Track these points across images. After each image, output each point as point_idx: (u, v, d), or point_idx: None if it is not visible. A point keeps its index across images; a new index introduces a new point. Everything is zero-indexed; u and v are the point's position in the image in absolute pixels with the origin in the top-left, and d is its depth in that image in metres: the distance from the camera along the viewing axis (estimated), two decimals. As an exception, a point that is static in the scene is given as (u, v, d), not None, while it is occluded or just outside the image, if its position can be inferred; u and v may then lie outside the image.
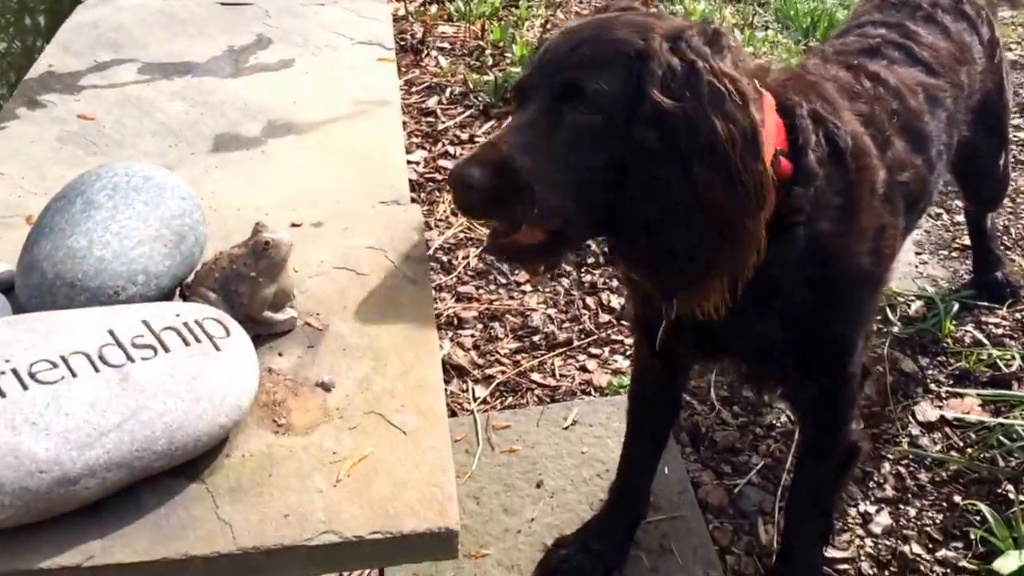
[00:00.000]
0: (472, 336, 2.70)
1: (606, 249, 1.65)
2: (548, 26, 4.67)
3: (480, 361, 2.62)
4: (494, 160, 1.26)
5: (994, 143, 2.46)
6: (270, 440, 1.28)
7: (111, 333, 1.25)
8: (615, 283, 2.88)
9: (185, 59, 2.34)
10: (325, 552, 1.16)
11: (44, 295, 1.37)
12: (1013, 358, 2.50)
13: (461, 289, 2.87)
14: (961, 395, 2.45)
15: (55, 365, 1.19)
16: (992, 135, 2.40)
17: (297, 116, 2.08)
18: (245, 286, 1.42)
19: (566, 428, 2.34)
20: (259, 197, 1.79)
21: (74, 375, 1.18)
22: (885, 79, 1.82)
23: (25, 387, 1.15)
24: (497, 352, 2.65)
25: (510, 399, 2.49)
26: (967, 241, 3.01)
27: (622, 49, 1.29)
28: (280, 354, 1.42)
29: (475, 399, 2.46)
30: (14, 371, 1.17)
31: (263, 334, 1.46)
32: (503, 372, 2.57)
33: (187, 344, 1.27)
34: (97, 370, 1.19)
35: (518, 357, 2.63)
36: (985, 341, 2.60)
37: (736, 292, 1.36)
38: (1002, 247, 3.01)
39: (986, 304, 2.78)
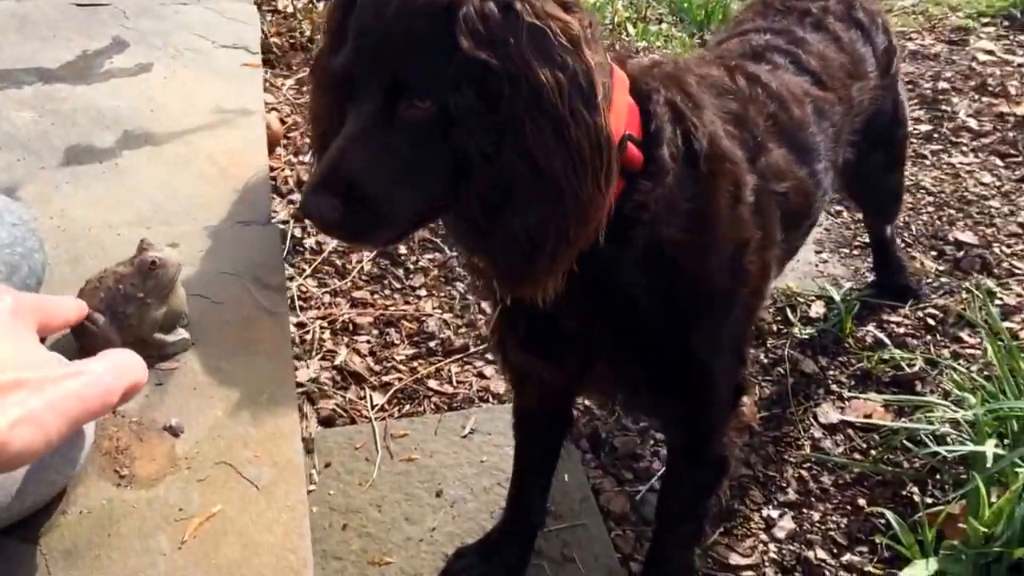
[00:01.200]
0: (368, 342, 2.62)
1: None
2: None
3: (376, 368, 2.54)
4: (342, 188, 1.14)
5: (889, 161, 2.41)
6: (111, 493, 1.18)
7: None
8: None
9: (36, 64, 2.21)
10: (168, 622, 1.07)
11: None
12: (915, 359, 2.50)
13: (356, 294, 2.77)
14: (863, 397, 2.43)
15: None
16: (887, 153, 2.35)
17: (155, 125, 1.97)
18: (134, 307, 1.34)
19: (464, 436, 2.30)
20: (112, 214, 1.68)
21: None
22: (767, 83, 1.71)
23: None
24: (393, 358, 2.58)
25: (408, 407, 2.42)
26: (868, 239, 3.00)
27: (431, 10, 1.12)
28: (125, 394, 1.32)
29: (373, 406, 2.39)
30: None
31: (154, 356, 1.37)
32: (400, 379, 2.50)
33: None
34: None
35: (415, 363, 2.56)
36: (887, 341, 2.59)
37: (572, 261, 1.20)
38: (902, 244, 3.02)
39: (889, 303, 2.77)
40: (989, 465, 1.88)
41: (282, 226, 2.49)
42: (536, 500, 2.01)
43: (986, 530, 1.83)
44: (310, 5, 4.65)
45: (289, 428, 1.28)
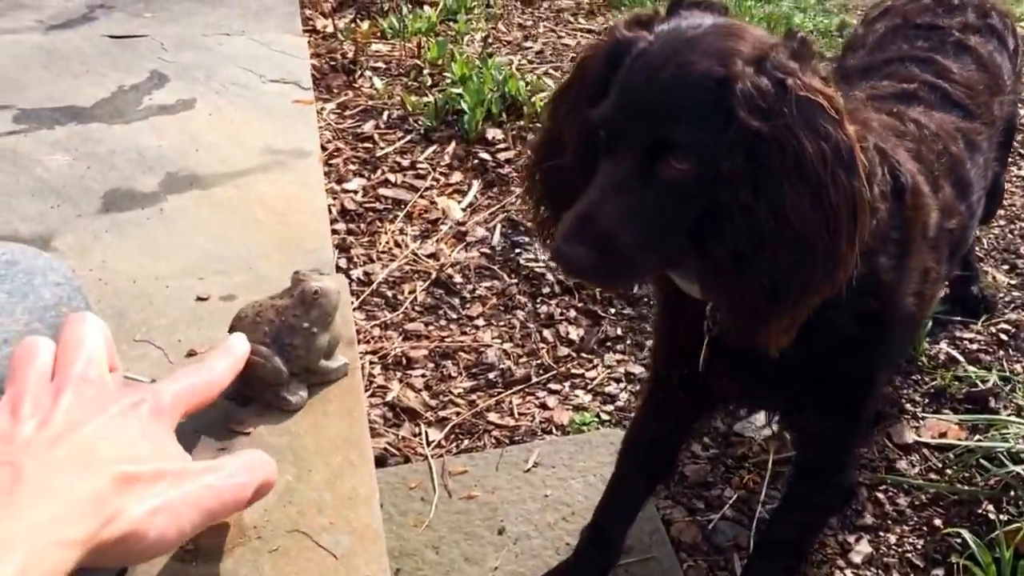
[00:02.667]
0: (423, 376, 2.65)
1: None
2: (489, 40, 4.68)
3: (432, 403, 2.57)
4: (597, 239, 1.32)
5: (1002, 157, 2.46)
6: (175, 570, 1.13)
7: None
8: (573, 313, 2.86)
9: (68, 103, 2.21)
10: None
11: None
12: (988, 376, 2.52)
13: (409, 326, 2.80)
14: (937, 417, 2.47)
15: None
16: (1002, 149, 2.41)
17: (201, 167, 1.95)
18: (299, 338, 1.36)
19: (527, 471, 2.32)
20: (158, 264, 1.65)
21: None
22: (927, 124, 1.88)
23: None
24: (450, 392, 2.60)
25: (466, 442, 2.45)
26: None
27: (706, 82, 1.28)
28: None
29: (428, 443, 2.42)
30: None
31: (316, 383, 1.41)
32: (458, 413, 2.53)
33: None
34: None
35: (473, 396, 2.59)
36: (960, 358, 2.62)
37: (811, 310, 1.37)
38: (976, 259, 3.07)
39: (961, 320, 2.82)
40: None
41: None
42: (618, 535, 2.08)
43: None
44: (353, 25, 4.71)
45: (366, 492, 1.23)
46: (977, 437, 2.36)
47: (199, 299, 1.58)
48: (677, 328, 1.76)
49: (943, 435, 2.42)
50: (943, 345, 2.71)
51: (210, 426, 1.33)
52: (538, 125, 3.51)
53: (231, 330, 1.37)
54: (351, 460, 1.28)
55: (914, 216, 1.61)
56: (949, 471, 2.32)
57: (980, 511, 2.22)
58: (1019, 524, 2.03)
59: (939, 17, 2.22)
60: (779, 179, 1.24)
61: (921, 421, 2.47)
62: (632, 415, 2.48)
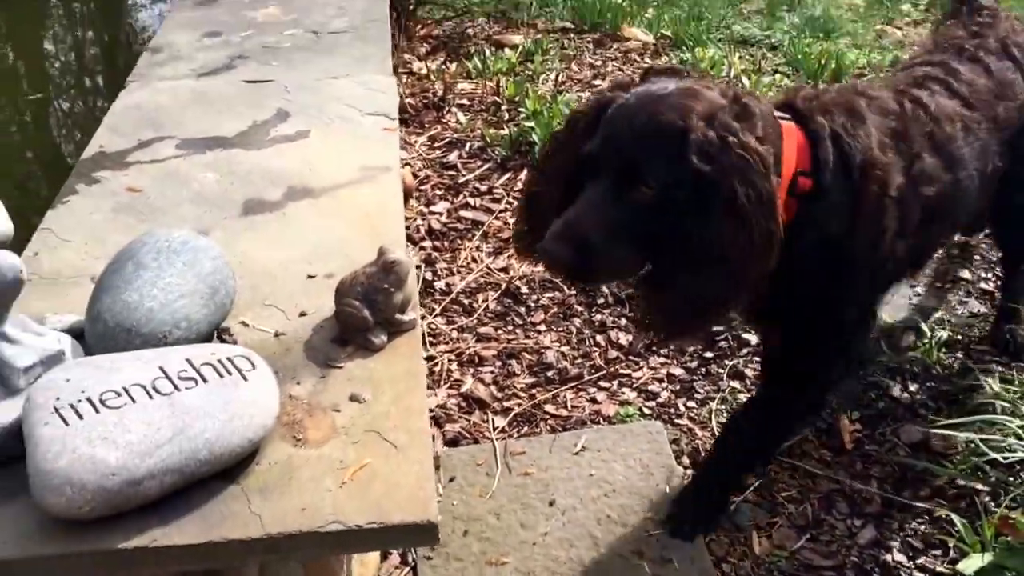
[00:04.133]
0: (491, 372, 3.08)
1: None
2: (561, 79, 5.06)
3: (499, 395, 2.99)
4: (577, 240, 1.76)
5: None
6: (291, 451, 1.68)
7: (161, 369, 1.66)
8: (623, 321, 3.25)
9: (216, 134, 2.75)
10: (333, 537, 1.54)
11: (107, 340, 1.79)
12: (992, 382, 2.76)
13: (481, 330, 3.25)
14: (945, 421, 2.68)
15: (119, 394, 1.59)
16: None
17: (312, 182, 2.48)
18: (382, 296, 1.90)
19: (576, 453, 2.70)
20: (281, 253, 2.19)
21: (134, 401, 1.59)
22: (927, 104, 2.24)
23: (97, 411, 1.56)
24: (514, 387, 3.02)
25: (525, 428, 2.85)
26: (961, 274, 3.37)
27: (668, 131, 1.74)
28: (298, 383, 1.83)
29: (494, 428, 2.83)
30: (88, 399, 1.58)
31: (392, 332, 1.95)
32: (519, 404, 2.94)
33: (221, 376, 1.67)
34: (151, 397, 1.60)
35: (533, 391, 3.00)
36: (972, 367, 2.89)
37: (724, 318, 1.87)
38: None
39: (993, 357, 3.04)
40: None
41: (415, 270, 2.99)
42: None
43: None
44: (443, 67, 5.23)
45: (419, 406, 1.76)
46: (979, 437, 2.53)
47: (309, 277, 2.14)
48: None
49: (949, 434, 2.62)
50: (958, 355, 2.99)
51: (314, 361, 1.89)
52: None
53: (336, 292, 1.95)
54: (410, 386, 1.82)
55: (862, 185, 1.96)
56: (950, 466, 2.59)
57: (978, 501, 2.47)
58: (1003, 512, 2.28)
59: (962, 41, 2.57)
60: (716, 213, 1.69)
61: (930, 423, 2.73)
62: (672, 408, 2.87)
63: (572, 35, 5.86)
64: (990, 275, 3.38)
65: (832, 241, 1.98)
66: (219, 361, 1.71)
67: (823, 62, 5.05)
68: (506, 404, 2.96)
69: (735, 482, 2.52)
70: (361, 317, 1.89)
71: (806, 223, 1.92)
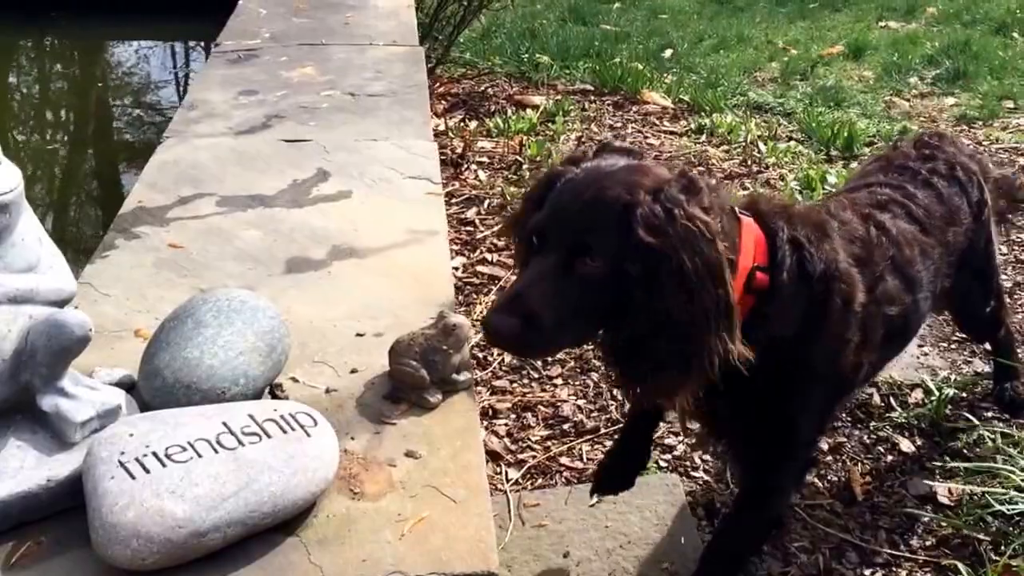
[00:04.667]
0: (506, 425, 3.07)
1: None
2: (582, 140, 5.13)
3: (513, 447, 2.98)
4: (523, 313, 1.71)
5: (982, 286, 2.86)
6: (348, 504, 1.71)
7: (225, 424, 1.69)
8: None
9: (256, 192, 2.79)
10: (394, 587, 1.58)
11: (166, 395, 1.83)
12: (995, 437, 2.83)
13: (496, 383, 3.25)
14: (951, 470, 2.79)
15: (184, 448, 1.63)
16: (980, 280, 2.81)
17: (357, 242, 2.52)
18: (440, 356, 1.95)
19: (592, 506, 2.67)
20: (328, 311, 2.23)
21: (200, 456, 1.62)
22: (889, 229, 2.27)
23: (163, 465, 1.59)
24: (529, 439, 3.01)
25: (540, 480, 2.84)
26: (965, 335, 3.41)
27: (615, 206, 1.73)
28: (352, 438, 1.86)
29: (508, 480, 2.82)
30: (154, 453, 1.61)
31: (448, 391, 1.99)
32: (534, 457, 2.93)
33: (284, 432, 1.71)
34: (216, 452, 1.63)
35: (548, 443, 2.99)
36: (976, 422, 2.93)
37: (698, 392, 1.83)
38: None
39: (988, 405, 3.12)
40: None
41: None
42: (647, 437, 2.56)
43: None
44: (462, 124, 5.28)
45: (477, 462, 1.80)
46: (983, 489, 2.60)
47: (358, 335, 2.17)
48: None
49: (953, 486, 2.72)
50: (963, 412, 3.01)
51: (367, 417, 1.93)
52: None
53: (391, 351, 1.98)
54: (467, 443, 1.86)
55: (825, 296, 1.96)
56: (956, 519, 2.61)
57: (982, 551, 2.49)
58: (1005, 561, 2.33)
59: (914, 162, 2.62)
60: (666, 283, 1.68)
61: (936, 475, 2.78)
62: (688, 462, 2.88)
63: (592, 97, 5.96)
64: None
65: (785, 345, 1.96)
66: (281, 417, 1.75)
67: (836, 130, 5.14)
68: (520, 456, 2.95)
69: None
70: (419, 376, 1.94)
71: (759, 320, 1.89)
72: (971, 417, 2.94)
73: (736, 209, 1.90)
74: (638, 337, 1.74)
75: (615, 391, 3.23)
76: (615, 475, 2.53)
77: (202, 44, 6.58)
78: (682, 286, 1.68)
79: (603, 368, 2.65)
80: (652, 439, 2.61)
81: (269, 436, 1.69)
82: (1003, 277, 3.69)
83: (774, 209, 1.99)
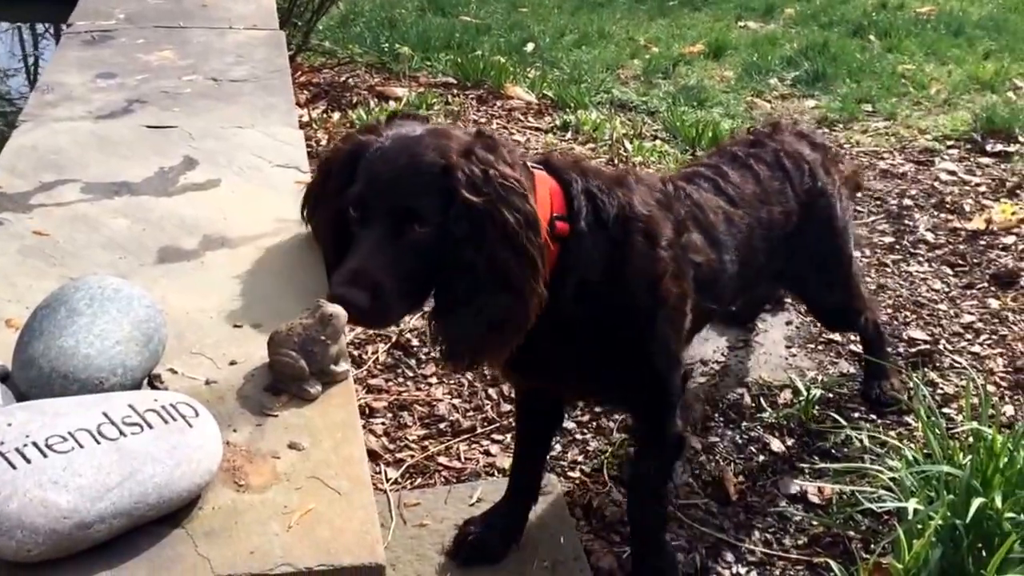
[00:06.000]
0: (383, 424, 3.17)
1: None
2: None
3: (391, 446, 3.08)
4: (369, 285, 1.90)
5: (823, 276, 3.10)
6: (233, 496, 1.76)
7: (105, 414, 1.71)
8: None
9: (122, 179, 2.78)
10: (283, 579, 1.64)
11: (43, 385, 1.83)
12: (861, 437, 3.03)
13: (372, 381, 3.35)
14: (820, 470, 2.99)
15: (65, 439, 1.64)
16: (821, 270, 3.07)
17: (229, 232, 2.54)
18: (318, 347, 1.99)
19: (472, 504, 2.80)
20: (202, 301, 2.25)
21: (81, 446, 1.63)
22: (690, 193, 2.53)
23: (44, 455, 1.61)
24: (406, 438, 3.12)
25: (419, 480, 2.95)
26: (832, 337, 3.69)
27: (433, 169, 1.92)
28: (235, 430, 1.91)
29: (387, 480, 2.91)
30: (35, 443, 1.62)
31: (326, 382, 2.04)
32: (412, 456, 3.03)
33: (166, 422, 1.73)
34: (98, 442, 1.65)
35: (426, 443, 3.10)
36: (843, 423, 3.12)
37: (522, 338, 1.99)
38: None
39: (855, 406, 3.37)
40: (910, 518, 2.37)
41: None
42: (532, 476, 2.70)
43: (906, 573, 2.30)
44: (325, 115, 5.34)
45: (359, 455, 1.85)
46: (852, 488, 2.80)
47: (235, 326, 2.21)
48: None
49: (823, 485, 2.94)
50: (831, 413, 3.21)
51: (249, 409, 1.97)
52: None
53: (269, 342, 2.04)
54: (348, 435, 1.91)
55: (625, 235, 2.17)
56: (827, 518, 2.82)
57: (852, 549, 2.70)
58: (875, 559, 2.48)
59: (740, 148, 2.90)
60: (492, 240, 1.88)
61: (806, 475, 2.99)
62: (565, 461, 3.04)
63: (455, 90, 6.11)
64: (856, 338, 3.64)
65: (602, 290, 2.17)
66: (163, 407, 1.77)
67: (700, 130, 5.39)
68: (398, 455, 3.05)
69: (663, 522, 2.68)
70: (299, 367, 1.98)
71: (568, 267, 2.11)
72: (838, 417, 3.13)
73: (528, 163, 2.10)
74: (464, 294, 1.92)
75: (489, 389, 3.37)
76: (491, 541, 2.66)
77: (51, 29, 6.40)
78: (506, 240, 1.88)
79: (429, 338, 2.77)
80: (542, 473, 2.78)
81: (151, 427, 1.72)
82: (867, 278, 3.97)
83: (567, 163, 2.19)
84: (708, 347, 3.65)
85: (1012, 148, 5.50)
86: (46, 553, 1.56)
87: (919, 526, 2.33)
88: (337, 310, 1.99)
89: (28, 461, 1.60)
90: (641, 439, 2.62)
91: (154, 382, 2.01)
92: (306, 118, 5.21)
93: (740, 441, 3.20)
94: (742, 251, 2.64)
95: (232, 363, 2.10)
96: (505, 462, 3.02)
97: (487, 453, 3.10)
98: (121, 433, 1.69)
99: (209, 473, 1.73)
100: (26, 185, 2.74)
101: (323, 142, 4.96)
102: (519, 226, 1.89)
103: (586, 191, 2.14)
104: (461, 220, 1.89)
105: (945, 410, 3.25)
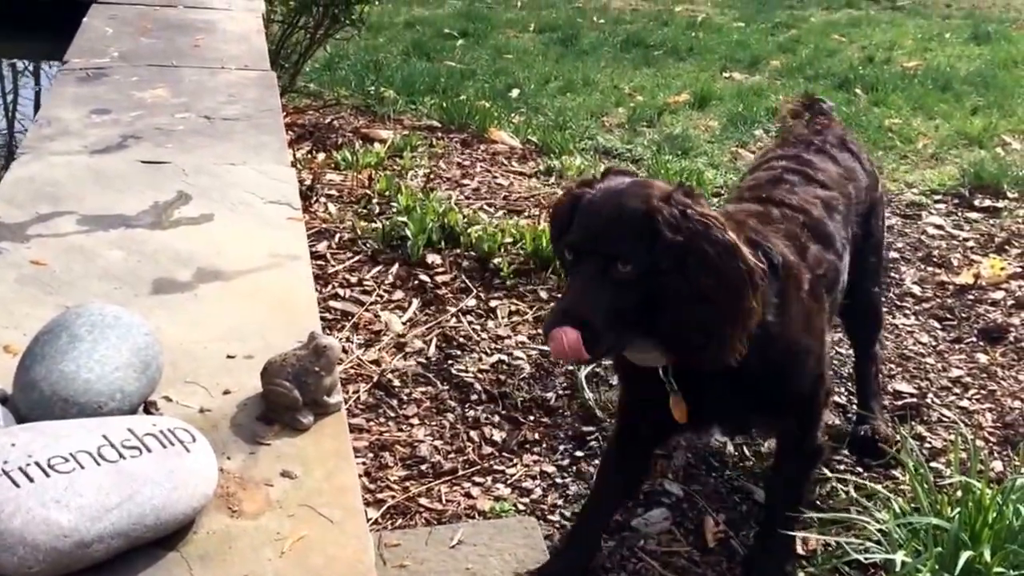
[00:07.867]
0: (363, 463, 3.23)
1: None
2: (431, 176, 5.36)
3: (371, 487, 3.14)
4: (578, 322, 2.14)
5: (875, 269, 3.41)
6: (228, 522, 1.85)
7: (105, 437, 1.81)
8: (496, 418, 3.51)
9: (117, 212, 2.89)
10: (275, 603, 1.73)
11: (44, 408, 1.93)
12: (848, 490, 3.12)
13: (352, 421, 3.38)
14: (804, 520, 2.96)
15: (66, 460, 1.73)
16: (877, 256, 3.38)
17: (222, 265, 2.65)
18: (312, 378, 2.10)
19: (452, 547, 2.86)
20: (196, 333, 2.36)
21: (82, 467, 1.73)
22: (790, 202, 2.80)
23: (47, 475, 1.70)
24: (387, 479, 3.18)
25: (400, 520, 3.01)
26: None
27: (637, 215, 2.19)
28: (228, 457, 2.00)
29: (368, 520, 2.91)
30: (37, 463, 1.71)
31: (321, 413, 2.14)
32: (393, 497, 3.10)
33: (164, 447, 1.83)
34: (99, 464, 1.75)
35: (407, 484, 3.17)
36: (829, 473, 3.22)
37: (742, 346, 2.24)
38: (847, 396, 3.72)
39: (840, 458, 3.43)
40: (898, 570, 2.45)
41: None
42: (595, 536, 2.89)
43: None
44: (309, 156, 5.44)
45: (351, 484, 1.95)
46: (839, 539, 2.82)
47: (229, 357, 2.32)
48: (639, 390, 2.65)
49: (808, 536, 2.95)
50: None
51: (242, 437, 2.08)
52: (473, 252, 4.45)
53: (264, 372, 2.14)
54: (340, 465, 2.02)
55: (787, 283, 2.48)
56: (813, 568, 2.90)
57: None
58: None
59: (809, 137, 3.22)
60: (695, 270, 2.14)
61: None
62: (545, 505, 3.10)
63: (440, 133, 6.24)
64: (842, 389, 3.76)
65: (769, 331, 2.40)
66: (161, 432, 1.87)
67: (684, 179, 5.46)
68: (379, 496, 3.12)
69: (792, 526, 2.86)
70: (292, 397, 2.09)
71: None
72: (824, 468, 3.19)
73: None
74: (679, 320, 2.20)
75: (471, 431, 3.44)
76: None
77: (30, 66, 6.49)
78: (709, 269, 2.16)
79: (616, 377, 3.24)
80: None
81: (150, 450, 1.82)
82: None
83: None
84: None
85: (1000, 203, 5.63)
86: (46, 571, 1.65)
87: (907, 579, 2.39)
88: (331, 342, 2.10)
89: (31, 480, 1.69)
90: (786, 450, 2.93)
91: (149, 409, 2.11)
92: (291, 158, 5.28)
93: (723, 490, 3.27)
94: (845, 229, 2.98)
95: (226, 392, 2.21)
96: (486, 504, 3.10)
97: (468, 495, 3.16)
98: (121, 456, 1.79)
99: (205, 497, 1.83)
100: (24, 216, 2.85)
101: (307, 181, 5.02)
102: (719, 256, 2.16)
103: (750, 242, 2.37)
104: (667, 256, 2.15)
105: (933, 464, 3.31)
